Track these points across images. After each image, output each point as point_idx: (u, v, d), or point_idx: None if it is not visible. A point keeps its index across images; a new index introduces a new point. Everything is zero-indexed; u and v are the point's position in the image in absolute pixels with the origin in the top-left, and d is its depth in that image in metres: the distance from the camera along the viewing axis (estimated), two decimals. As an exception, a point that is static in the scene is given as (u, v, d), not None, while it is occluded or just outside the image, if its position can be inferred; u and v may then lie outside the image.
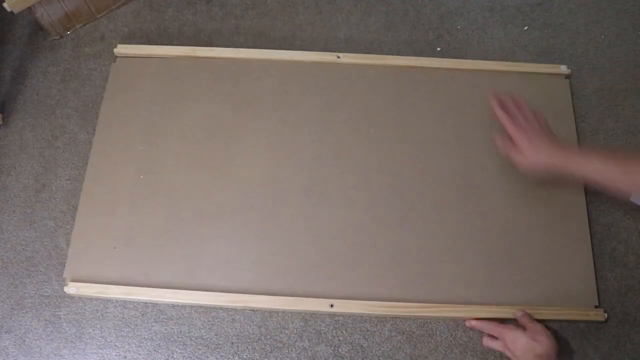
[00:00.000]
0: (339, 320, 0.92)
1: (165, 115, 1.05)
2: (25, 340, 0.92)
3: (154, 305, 0.93)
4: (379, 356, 0.90)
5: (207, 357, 0.90)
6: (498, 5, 1.21)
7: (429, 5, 1.21)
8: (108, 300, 0.94)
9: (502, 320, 0.89)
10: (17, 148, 1.07)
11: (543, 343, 0.81)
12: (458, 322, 0.92)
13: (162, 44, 1.16)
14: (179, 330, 0.92)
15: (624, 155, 0.80)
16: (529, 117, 0.92)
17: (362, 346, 0.91)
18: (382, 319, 0.92)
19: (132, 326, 0.92)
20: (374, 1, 1.22)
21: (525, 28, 1.19)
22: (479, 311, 0.90)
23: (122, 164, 1.01)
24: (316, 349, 0.91)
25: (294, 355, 0.90)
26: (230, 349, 0.90)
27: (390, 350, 0.90)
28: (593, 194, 1.02)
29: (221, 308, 0.93)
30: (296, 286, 0.92)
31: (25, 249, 0.98)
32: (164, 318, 0.92)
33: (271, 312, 0.93)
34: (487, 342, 0.89)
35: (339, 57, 1.09)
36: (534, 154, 0.85)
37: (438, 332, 0.92)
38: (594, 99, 1.10)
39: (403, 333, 0.92)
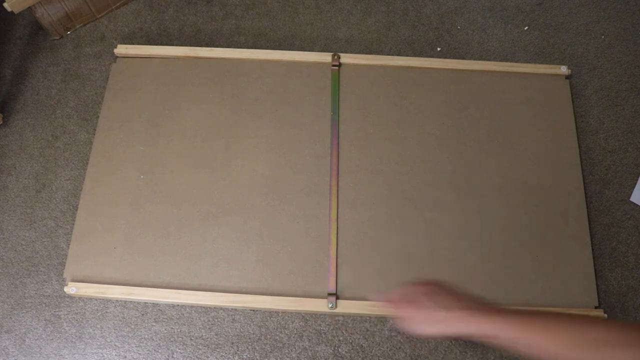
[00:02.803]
0: (339, 320, 0.92)
1: (165, 116, 1.05)
2: (25, 340, 0.92)
3: (154, 305, 0.93)
4: (379, 356, 0.90)
5: (207, 357, 0.90)
6: (498, 5, 1.21)
7: (429, 5, 1.21)
8: (108, 300, 0.93)
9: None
10: (18, 148, 1.07)
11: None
12: (458, 322, 0.92)
13: (162, 43, 1.16)
14: (179, 330, 0.92)
15: (530, 318, 0.63)
16: (423, 291, 0.75)
17: (362, 346, 0.91)
18: (382, 319, 0.92)
19: (132, 326, 0.92)
20: (374, 1, 1.22)
21: (526, 28, 1.18)
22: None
23: (123, 165, 1.01)
24: (316, 348, 0.90)
25: (294, 355, 0.90)
26: (231, 348, 0.90)
27: (390, 350, 0.90)
28: (593, 194, 1.02)
29: (221, 308, 0.93)
30: (296, 286, 0.92)
31: (25, 249, 0.98)
32: (164, 318, 0.92)
33: (271, 312, 0.93)
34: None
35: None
36: (423, 327, 0.70)
37: (438, 332, 0.92)
38: (594, 99, 1.10)
39: (403, 333, 0.91)
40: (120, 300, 0.93)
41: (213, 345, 0.91)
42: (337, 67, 1.08)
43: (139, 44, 1.15)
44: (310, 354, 0.90)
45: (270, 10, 1.21)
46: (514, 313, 0.64)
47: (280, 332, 0.91)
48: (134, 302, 0.93)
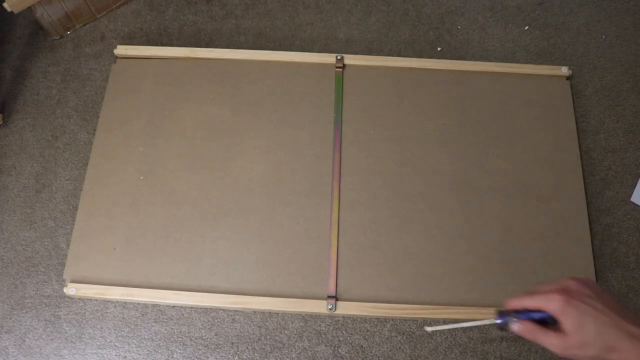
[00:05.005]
0: (339, 321, 0.92)
1: (165, 116, 1.05)
2: (25, 340, 0.92)
3: (154, 305, 0.93)
4: (378, 356, 0.90)
5: (207, 358, 0.90)
6: (499, 5, 1.21)
7: (430, 4, 1.21)
8: (108, 301, 0.94)
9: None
10: (18, 148, 1.07)
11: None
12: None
13: (162, 43, 1.16)
14: (179, 331, 0.92)
15: None
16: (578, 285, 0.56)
17: (362, 346, 0.91)
18: (382, 319, 0.92)
19: (132, 326, 0.92)
20: (375, 1, 1.22)
21: (526, 28, 1.18)
22: (479, 313, 0.90)
23: (123, 165, 1.01)
24: (316, 349, 0.91)
25: (293, 356, 0.90)
26: (230, 349, 0.90)
27: (390, 351, 0.90)
28: (594, 195, 1.02)
29: (221, 309, 0.93)
30: (296, 287, 0.92)
31: (25, 249, 0.98)
32: (164, 318, 0.93)
33: (271, 313, 0.93)
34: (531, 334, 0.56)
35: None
36: (581, 329, 0.52)
37: (438, 333, 0.92)
38: (595, 99, 1.10)
39: (403, 333, 0.92)
40: (120, 301, 0.93)
41: (213, 346, 0.91)
42: (341, 69, 1.08)
43: (139, 43, 1.15)
44: (310, 354, 0.90)
45: (270, 9, 1.20)
46: None
47: (280, 333, 0.92)
48: (134, 302, 0.93)
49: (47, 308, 0.94)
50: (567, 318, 0.53)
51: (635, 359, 0.50)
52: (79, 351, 0.91)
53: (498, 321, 0.57)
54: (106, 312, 0.93)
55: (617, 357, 0.51)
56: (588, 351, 0.52)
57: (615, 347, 0.51)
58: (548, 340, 0.54)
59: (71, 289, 0.91)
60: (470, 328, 0.91)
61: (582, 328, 0.52)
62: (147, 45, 1.14)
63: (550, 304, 0.54)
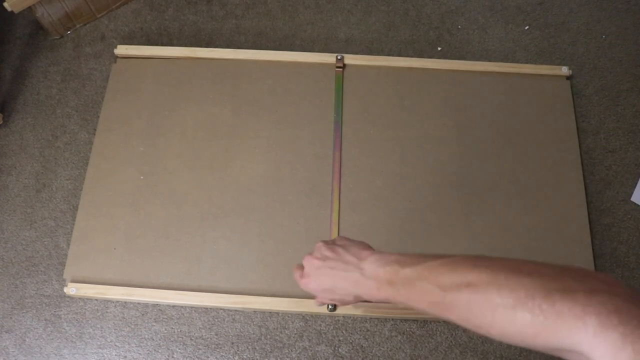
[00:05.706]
0: (339, 320, 0.92)
1: (165, 116, 1.05)
2: (25, 340, 0.92)
3: (154, 305, 0.93)
4: (379, 356, 0.90)
5: (208, 357, 0.90)
6: (499, 5, 1.21)
7: (430, 4, 1.21)
8: (108, 300, 0.94)
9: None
10: (18, 148, 1.07)
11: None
12: (458, 323, 0.92)
13: (162, 43, 1.16)
14: (179, 330, 0.92)
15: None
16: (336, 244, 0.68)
17: (362, 346, 0.91)
18: (382, 319, 0.92)
19: (133, 326, 0.92)
20: (375, 1, 1.22)
21: (526, 27, 1.18)
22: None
23: (123, 165, 1.01)
24: (316, 349, 0.91)
25: (294, 355, 0.90)
26: (231, 348, 0.91)
27: (390, 350, 0.90)
28: (594, 194, 1.02)
29: (221, 308, 0.93)
30: (296, 287, 0.92)
31: (25, 249, 0.98)
32: (164, 318, 0.93)
33: (271, 312, 0.93)
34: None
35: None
36: (327, 295, 0.67)
37: (438, 332, 0.92)
38: (595, 99, 1.10)
39: (403, 333, 0.92)
40: (120, 300, 0.93)
41: (213, 345, 0.91)
42: (341, 69, 1.08)
43: (139, 43, 1.15)
44: (310, 354, 0.90)
45: (271, 9, 1.20)
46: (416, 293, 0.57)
47: (281, 332, 0.92)
48: (134, 302, 0.93)
49: (47, 308, 0.94)
50: (315, 293, 0.68)
51: (373, 290, 0.60)
52: (79, 351, 0.91)
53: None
54: (106, 312, 0.93)
55: (363, 293, 0.62)
56: (349, 301, 0.67)
57: (354, 293, 0.63)
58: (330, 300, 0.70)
59: (71, 289, 0.91)
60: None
61: (328, 295, 0.67)
62: (147, 45, 1.14)
63: (301, 286, 0.70)
